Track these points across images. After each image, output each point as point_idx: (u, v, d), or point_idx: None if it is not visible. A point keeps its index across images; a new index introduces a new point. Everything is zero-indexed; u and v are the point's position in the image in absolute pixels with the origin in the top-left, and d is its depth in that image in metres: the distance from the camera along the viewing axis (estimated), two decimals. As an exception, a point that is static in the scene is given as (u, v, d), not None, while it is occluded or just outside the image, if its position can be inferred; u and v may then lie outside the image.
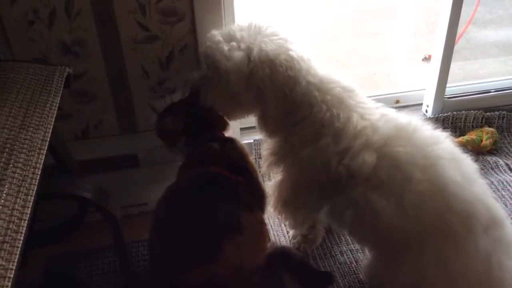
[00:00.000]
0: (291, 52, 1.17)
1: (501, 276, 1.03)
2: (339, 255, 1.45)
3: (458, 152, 1.15)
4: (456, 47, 2.73)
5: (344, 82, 1.21)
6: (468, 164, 1.14)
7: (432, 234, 1.06)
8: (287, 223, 1.50)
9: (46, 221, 1.43)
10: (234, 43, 1.16)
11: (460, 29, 2.77)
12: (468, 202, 1.05)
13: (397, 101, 1.99)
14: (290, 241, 1.49)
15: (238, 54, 1.15)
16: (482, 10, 3.21)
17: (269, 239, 1.44)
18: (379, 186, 1.10)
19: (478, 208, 1.05)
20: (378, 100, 1.91)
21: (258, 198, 1.30)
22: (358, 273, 1.39)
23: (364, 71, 2.61)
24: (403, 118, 1.19)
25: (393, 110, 1.23)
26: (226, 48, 1.16)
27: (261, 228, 1.27)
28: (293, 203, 1.32)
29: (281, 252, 1.35)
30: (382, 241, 1.16)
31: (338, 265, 1.42)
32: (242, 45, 1.16)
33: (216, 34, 1.19)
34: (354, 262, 1.42)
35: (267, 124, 1.24)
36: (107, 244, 1.36)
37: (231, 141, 1.32)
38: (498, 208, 1.12)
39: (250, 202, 1.23)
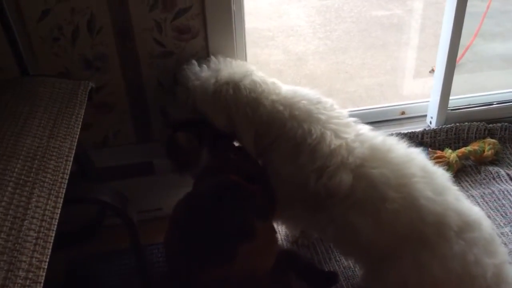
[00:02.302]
0: (254, 77, 1.28)
1: (482, 273, 1.10)
2: (343, 259, 1.51)
3: (429, 167, 1.22)
4: (462, 60, 2.81)
5: (309, 95, 1.28)
6: (439, 176, 1.21)
7: (408, 244, 1.13)
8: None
9: (67, 224, 1.52)
10: (205, 65, 1.32)
11: (466, 41, 2.84)
12: (438, 212, 1.13)
13: (403, 112, 2.05)
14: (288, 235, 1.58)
15: (206, 73, 1.30)
16: (489, 23, 3.24)
17: (278, 244, 1.51)
18: (356, 205, 1.17)
19: (449, 217, 1.13)
20: (384, 112, 2.02)
21: (270, 205, 1.37)
22: (361, 277, 1.46)
23: (372, 83, 2.68)
24: (378, 137, 1.24)
25: (367, 127, 1.29)
26: (197, 68, 1.32)
27: (272, 235, 1.34)
28: (281, 216, 1.39)
29: (288, 254, 1.42)
30: (364, 255, 1.24)
31: (343, 269, 1.48)
32: (213, 67, 1.32)
33: (194, 61, 1.37)
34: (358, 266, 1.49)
35: (245, 146, 1.32)
36: (124, 247, 1.44)
37: (244, 149, 1.36)
38: (473, 212, 1.18)
39: (264, 210, 1.30)
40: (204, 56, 1.52)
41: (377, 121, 2.02)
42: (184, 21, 1.45)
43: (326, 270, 1.47)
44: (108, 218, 1.56)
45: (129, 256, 1.50)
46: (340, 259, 1.51)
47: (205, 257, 1.19)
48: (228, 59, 1.40)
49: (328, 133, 1.21)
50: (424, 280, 1.11)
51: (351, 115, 1.97)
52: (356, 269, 1.46)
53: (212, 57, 1.40)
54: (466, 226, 1.14)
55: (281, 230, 1.60)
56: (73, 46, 1.43)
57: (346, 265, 1.49)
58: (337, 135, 1.22)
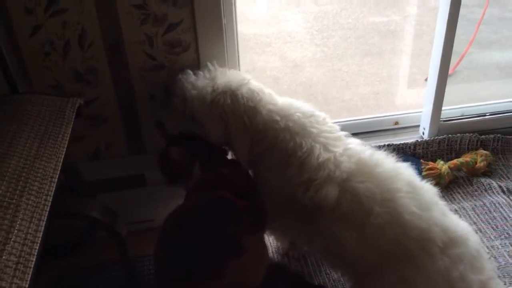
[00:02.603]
0: (251, 86, 1.30)
1: None
2: (333, 272, 1.52)
3: (416, 182, 1.22)
4: (458, 68, 2.81)
5: (304, 108, 1.29)
6: (426, 190, 1.21)
7: (393, 260, 1.14)
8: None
9: (59, 236, 1.53)
10: (201, 73, 1.31)
11: (463, 49, 2.84)
12: (423, 228, 1.13)
13: (396, 123, 2.06)
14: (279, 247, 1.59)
15: (203, 82, 1.29)
16: (487, 30, 3.24)
17: (268, 259, 1.52)
18: (341, 219, 1.17)
19: (434, 232, 1.13)
20: (378, 122, 2.03)
21: (260, 221, 1.38)
22: (350, 290, 1.46)
23: (367, 91, 2.69)
24: (366, 151, 1.25)
25: (357, 141, 1.30)
26: (193, 77, 1.31)
27: (262, 250, 1.34)
28: (270, 226, 1.40)
29: (278, 267, 1.44)
30: (350, 268, 1.24)
31: (332, 282, 1.49)
32: (208, 76, 1.31)
33: (189, 71, 1.35)
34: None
35: (238, 156, 1.33)
36: (115, 259, 1.45)
37: (238, 164, 1.37)
38: (460, 227, 1.18)
39: (253, 225, 1.30)
40: (196, 69, 1.53)
41: (371, 131, 2.03)
42: (175, 35, 1.46)
43: (316, 283, 1.48)
44: (100, 231, 1.57)
45: (119, 268, 1.51)
46: (330, 272, 1.52)
47: (193, 272, 1.20)
48: (223, 68, 1.40)
49: (318, 146, 1.23)
50: None
51: (345, 125, 1.98)
52: (345, 283, 1.47)
53: (208, 64, 1.39)
54: (452, 242, 1.14)
55: (272, 243, 1.61)
56: (64, 60, 1.44)
57: (336, 278, 1.49)
58: (326, 148, 1.23)
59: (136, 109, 1.57)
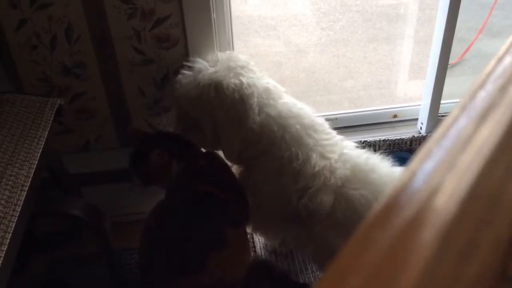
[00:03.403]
0: (241, 77, 1.19)
1: None
2: (320, 271, 1.51)
3: None
4: (465, 56, 2.73)
5: (303, 117, 1.23)
6: None
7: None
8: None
9: (47, 229, 1.54)
10: (189, 72, 1.22)
11: (472, 36, 2.76)
12: None
13: (395, 116, 2.02)
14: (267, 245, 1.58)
15: (187, 79, 1.20)
16: (499, 15, 3.15)
17: (251, 252, 1.52)
18: (335, 226, 1.16)
19: None
20: (376, 115, 1.99)
21: (243, 211, 1.37)
22: (335, 290, 1.46)
23: (371, 79, 2.64)
24: (362, 156, 1.23)
25: (353, 144, 1.27)
26: (181, 76, 1.23)
27: (244, 243, 1.35)
28: (260, 228, 1.39)
29: (264, 265, 1.43)
30: None
31: (318, 280, 1.49)
32: (195, 71, 1.21)
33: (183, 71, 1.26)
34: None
35: (228, 154, 1.28)
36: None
37: (213, 155, 1.35)
38: None
39: (235, 217, 1.31)
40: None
41: (369, 124, 2.00)
42: (163, 29, 1.44)
43: (301, 282, 1.48)
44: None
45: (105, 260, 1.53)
46: (316, 270, 1.52)
47: (175, 266, 1.21)
48: (217, 54, 1.31)
49: (314, 155, 1.20)
50: None
51: (343, 118, 1.96)
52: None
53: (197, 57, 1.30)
54: None
55: (259, 239, 1.61)
56: (52, 53, 1.43)
57: (322, 277, 1.49)
58: (322, 156, 1.21)
59: (126, 103, 1.56)
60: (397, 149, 1.85)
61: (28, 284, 1.41)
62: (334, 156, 1.21)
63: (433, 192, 0.34)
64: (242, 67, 1.21)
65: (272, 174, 1.23)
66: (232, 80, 1.18)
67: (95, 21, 1.39)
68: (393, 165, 1.25)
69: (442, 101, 1.88)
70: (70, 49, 1.43)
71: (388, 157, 1.27)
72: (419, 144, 1.87)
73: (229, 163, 1.35)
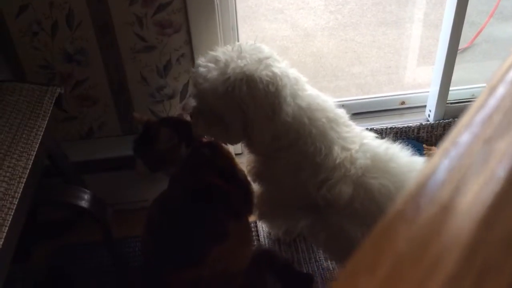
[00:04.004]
0: (273, 68, 1.11)
1: None
2: (323, 260, 1.50)
3: None
4: (476, 41, 2.67)
5: (328, 110, 1.19)
6: None
7: None
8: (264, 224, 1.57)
9: (49, 216, 1.54)
10: (212, 64, 1.12)
11: (483, 20, 2.69)
12: None
13: (403, 103, 1.99)
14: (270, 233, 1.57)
15: (213, 73, 1.11)
16: (512, -3, 3.07)
17: (254, 243, 1.51)
18: (354, 216, 1.14)
19: None
20: (384, 101, 1.96)
21: (246, 202, 1.36)
22: (339, 280, 1.45)
23: (379, 65, 2.59)
24: (382, 146, 1.20)
25: (372, 134, 1.25)
26: (204, 69, 1.12)
27: (247, 235, 1.34)
28: (270, 215, 1.38)
29: (266, 254, 1.43)
30: None
31: (321, 270, 1.48)
32: (221, 64, 1.11)
33: (201, 59, 1.15)
34: (337, 268, 1.48)
35: (254, 147, 1.23)
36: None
37: (218, 145, 1.32)
38: None
39: (238, 209, 1.30)
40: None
41: (376, 110, 1.97)
42: (166, 15, 1.41)
43: (304, 271, 1.47)
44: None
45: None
46: (319, 259, 1.51)
47: (177, 258, 1.21)
48: (237, 44, 1.17)
49: (336, 148, 1.17)
50: None
51: (351, 104, 1.92)
52: (335, 271, 1.46)
53: (222, 46, 1.19)
54: None
55: (263, 228, 1.59)
56: (53, 40, 1.41)
57: (325, 266, 1.48)
58: (344, 147, 1.18)
59: (128, 90, 1.54)
60: (404, 137, 1.83)
61: (30, 272, 1.41)
62: (355, 146, 1.19)
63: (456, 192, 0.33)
64: (269, 58, 1.13)
65: (292, 166, 1.20)
66: (264, 72, 1.10)
67: (96, 7, 1.37)
68: (412, 154, 1.23)
69: (451, 88, 1.85)
70: (71, 36, 1.41)
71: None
72: (427, 132, 1.84)
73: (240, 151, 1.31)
